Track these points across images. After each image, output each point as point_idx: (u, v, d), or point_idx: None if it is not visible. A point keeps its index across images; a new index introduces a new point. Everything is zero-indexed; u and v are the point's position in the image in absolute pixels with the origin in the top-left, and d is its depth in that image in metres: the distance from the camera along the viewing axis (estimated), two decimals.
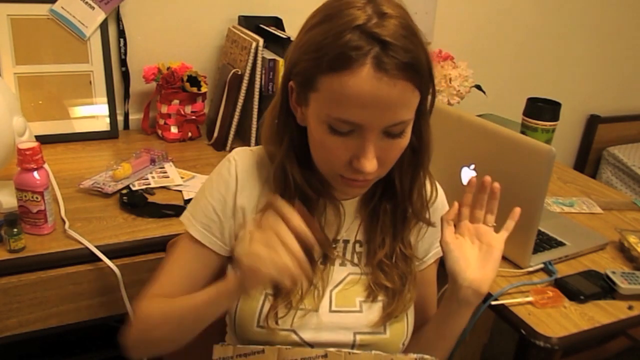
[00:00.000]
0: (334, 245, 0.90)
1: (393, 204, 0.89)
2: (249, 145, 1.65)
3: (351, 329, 0.87)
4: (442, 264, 1.19)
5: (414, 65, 0.70)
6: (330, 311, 0.87)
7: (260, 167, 0.89)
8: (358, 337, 0.87)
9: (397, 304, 0.88)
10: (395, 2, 0.75)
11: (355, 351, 0.84)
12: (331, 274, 0.88)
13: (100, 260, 1.11)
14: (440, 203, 0.95)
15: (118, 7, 1.64)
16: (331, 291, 0.88)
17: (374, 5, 0.72)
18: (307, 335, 0.85)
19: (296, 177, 0.83)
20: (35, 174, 1.09)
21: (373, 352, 0.85)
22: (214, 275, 0.90)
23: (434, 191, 0.92)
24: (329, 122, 0.74)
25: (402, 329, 0.89)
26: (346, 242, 0.91)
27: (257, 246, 0.69)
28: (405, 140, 0.78)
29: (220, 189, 0.88)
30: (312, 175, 0.84)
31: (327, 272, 0.88)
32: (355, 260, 0.91)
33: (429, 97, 0.79)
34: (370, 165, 0.75)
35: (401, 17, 0.72)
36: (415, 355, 0.85)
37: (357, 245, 0.91)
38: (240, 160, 0.88)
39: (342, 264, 0.90)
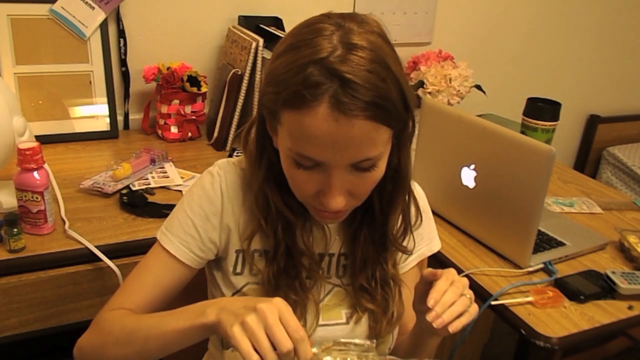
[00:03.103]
0: (319, 261, 0.88)
1: (371, 230, 0.86)
2: None
3: None
4: (440, 263, 1.19)
5: (378, 103, 0.66)
6: (318, 325, 0.86)
7: (242, 180, 0.86)
8: None
9: (382, 325, 0.86)
10: (369, 27, 0.70)
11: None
12: (316, 288, 0.87)
13: (100, 260, 1.11)
14: (422, 207, 0.93)
15: (118, 7, 1.64)
16: (317, 305, 0.87)
17: (342, 33, 0.68)
18: None
19: (277, 202, 0.81)
20: (35, 174, 1.09)
21: (388, 357, 0.85)
22: (185, 284, 0.88)
23: (419, 216, 0.89)
24: (292, 157, 0.72)
25: (388, 337, 0.90)
26: (331, 255, 0.90)
27: (250, 320, 0.64)
28: (378, 172, 0.75)
29: (203, 205, 0.84)
30: (292, 198, 0.80)
31: (314, 288, 0.87)
32: (340, 273, 0.90)
33: (409, 127, 0.76)
34: (336, 202, 0.72)
35: (370, 48, 0.67)
36: None
37: (343, 258, 0.90)
38: (225, 176, 0.85)
39: (327, 277, 0.89)
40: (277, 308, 0.65)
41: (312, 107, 0.66)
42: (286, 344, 0.63)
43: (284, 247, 0.83)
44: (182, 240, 0.85)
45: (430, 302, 0.74)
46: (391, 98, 0.68)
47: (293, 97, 0.67)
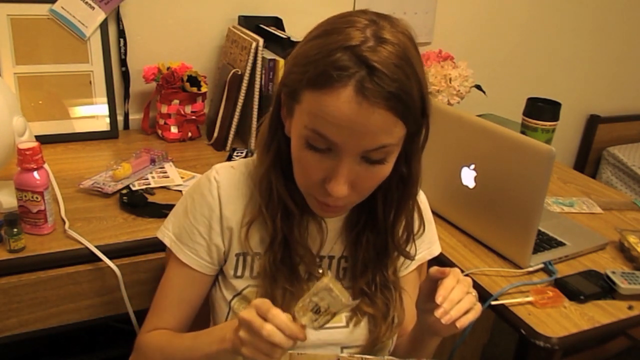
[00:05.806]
0: (319, 262, 0.89)
1: (375, 235, 0.87)
2: (248, 146, 1.65)
3: (338, 344, 0.87)
4: (440, 263, 1.19)
5: (399, 95, 0.68)
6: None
7: (242, 184, 0.87)
8: (345, 351, 0.87)
9: (381, 329, 0.87)
10: (400, 29, 0.73)
11: (367, 356, 0.84)
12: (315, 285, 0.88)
13: (100, 260, 1.10)
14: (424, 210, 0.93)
15: (118, 7, 1.64)
16: None
17: (375, 28, 0.70)
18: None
19: (280, 189, 0.82)
20: (35, 174, 1.09)
21: (385, 357, 0.85)
22: (208, 291, 0.92)
23: (422, 225, 0.90)
24: (306, 136, 0.72)
25: (388, 342, 0.90)
26: (331, 258, 0.90)
27: (241, 334, 0.71)
28: (386, 169, 0.75)
29: (204, 212, 0.87)
30: (296, 189, 0.81)
31: (312, 283, 0.86)
32: (341, 276, 0.90)
33: (422, 134, 0.77)
34: (340, 189, 0.73)
35: (400, 45, 0.70)
36: None
37: (343, 261, 0.90)
38: (222, 181, 0.87)
39: None
40: (253, 308, 0.70)
41: (336, 88, 0.68)
42: (264, 332, 0.67)
43: (281, 237, 0.84)
44: (191, 249, 0.87)
45: (438, 298, 0.75)
46: (412, 95, 0.70)
47: (319, 76, 0.69)
